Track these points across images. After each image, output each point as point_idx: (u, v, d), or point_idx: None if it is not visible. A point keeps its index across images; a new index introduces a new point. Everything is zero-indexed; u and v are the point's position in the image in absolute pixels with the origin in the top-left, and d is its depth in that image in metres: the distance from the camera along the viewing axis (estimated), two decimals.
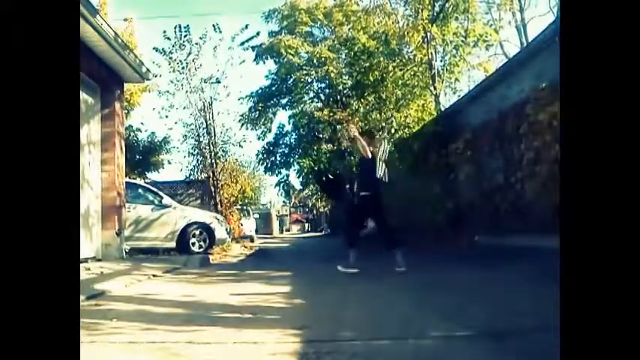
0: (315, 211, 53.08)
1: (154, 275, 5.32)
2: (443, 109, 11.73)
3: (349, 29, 19.91)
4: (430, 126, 11.00)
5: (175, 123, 15.86)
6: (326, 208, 39.42)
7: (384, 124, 13.62)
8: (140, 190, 10.09)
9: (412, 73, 12.49)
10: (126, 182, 8.27)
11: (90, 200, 6.82)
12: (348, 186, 25.44)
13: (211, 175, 14.10)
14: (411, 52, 12.89)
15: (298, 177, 26.79)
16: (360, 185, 5.78)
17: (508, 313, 2.73)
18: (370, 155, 5.46)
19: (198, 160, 14.64)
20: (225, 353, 2.05)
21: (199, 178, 15.13)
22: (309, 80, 24.72)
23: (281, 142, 26.11)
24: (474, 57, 13.56)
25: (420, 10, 11.77)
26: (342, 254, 9.74)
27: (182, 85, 13.36)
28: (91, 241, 6.76)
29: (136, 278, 4.91)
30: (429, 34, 11.64)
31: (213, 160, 14.12)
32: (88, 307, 3.20)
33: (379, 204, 5.47)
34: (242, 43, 16.67)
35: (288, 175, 27.09)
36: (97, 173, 7.11)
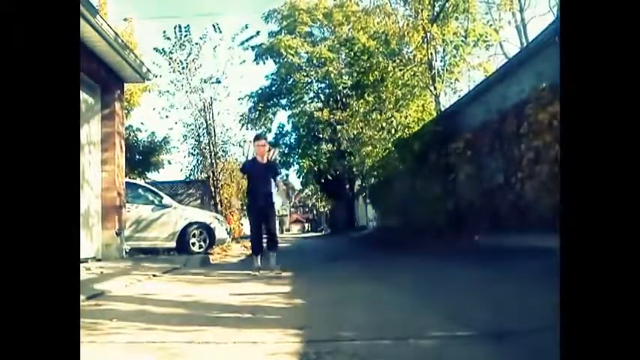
0: (315, 211, 53.14)
1: (153, 275, 5.32)
2: (443, 109, 11.74)
3: (349, 29, 19.92)
4: (430, 126, 11.01)
5: (175, 123, 15.92)
6: (326, 208, 39.45)
7: (384, 124, 13.61)
8: (140, 190, 10.09)
9: (412, 73, 12.50)
10: (126, 182, 8.27)
11: (90, 200, 6.82)
12: (348, 186, 25.49)
13: (211, 175, 14.11)
14: (411, 52, 12.89)
15: (298, 177, 26.92)
16: (254, 194, 5.98)
17: (508, 312, 2.73)
18: (264, 160, 5.92)
19: (198, 160, 14.65)
20: (225, 353, 2.05)
21: (199, 178, 15.13)
22: (309, 80, 24.83)
23: (281, 142, 26.19)
24: (474, 57, 13.60)
25: (420, 10, 11.78)
26: (341, 255, 9.76)
27: (182, 85, 13.39)
28: (91, 241, 6.76)
29: (135, 278, 4.91)
30: (429, 34, 11.65)
31: (213, 160, 14.13)
32: (88, 307, 3.20)
33: (271, 212, 6.10)
34: (242, 43, 16.73)
35: (287, 175, 27.12)
36: (97, 173, 7.11)
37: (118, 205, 7.29)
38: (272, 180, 5.93)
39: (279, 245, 6.25)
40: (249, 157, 6.30)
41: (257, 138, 6.24)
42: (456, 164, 9.17)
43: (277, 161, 6.88)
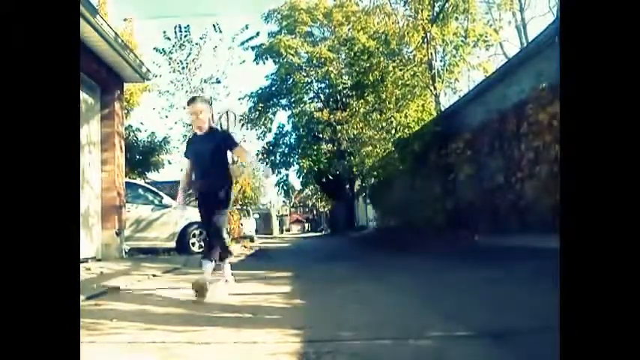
0: (315, 211, 53.18)
1: (153, 275, 5.32)
2: (443, 109, 11.74)
3: (349, 29, 19.96)
4: (430, 126, 11.01)
5: (175, 123, 15.80)
6: (326, 208, 39.48)
7: (384, 124, 13.62)
8: (140, 190, 10.10)
9: (412, 73, 12.50)
10: (126, 182, 8.28)
11: (90, 200, 6.82)
12: (348, 186, 25.49)
13: None
14: (411, 52, 12.90)
15: (298, 177, 26.95)
16: (198, 175, 4.07)
17: (508, 313, 2.73)
18: (208, 128, 4.01)
19: None
20: (225, 353, 2.05)
21: None
22: (309, 80, 24.84)
23: (281, 142, 26.23)
24: (474, 57, 13.60)
25: (420, 10, 11.79)
26: (341, 254, 9.76)
27: (182, 85, 13.37)
28: (91, 241, 6.76)
29: (135, 278, 4.91)
30: (429, 34, 11.65)
31: None
32: (88, 307, 3.20)
33: (220, 203, 3.96)
34: (242, 43, 16.73)
35: (287, 175, 27.14)
36: (97, 173, 7.11)
37: (118, 205, 7.29)
38: (225, 156, 4.03)
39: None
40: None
41: (189, 102, 4.11)
42: (456, 164, 9.17)
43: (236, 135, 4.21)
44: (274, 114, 26.37)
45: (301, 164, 24.38)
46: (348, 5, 18.83)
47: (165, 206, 9.79)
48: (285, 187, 28.25)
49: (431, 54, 11.87)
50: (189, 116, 4.12)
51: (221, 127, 3.68)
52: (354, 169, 19.65)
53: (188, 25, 13.17)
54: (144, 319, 2.80)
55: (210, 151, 3.89)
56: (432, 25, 11.60)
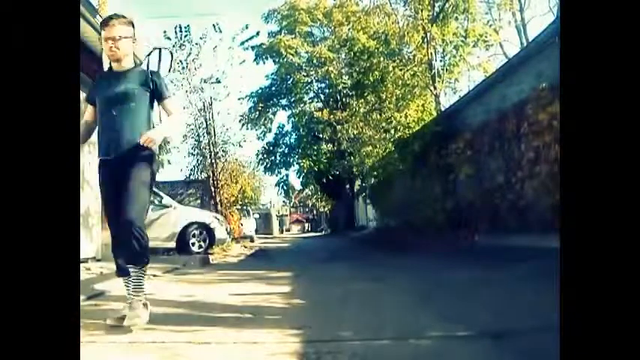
0: (315, 211, 53.17)
1: (154, 275, 5.32)
2: (443, 109, 11.75)
3: (349, 29, 19.97)
4: (430, 126, 11.02)
5: None
6: (326, 208, 39.47)
7: (384, 124, 13.64)
8: None
9: (412, 73, 12.52)
10: None
11: (90, 200, 6.82)
12: (348, 186, 25.50)
13: (211, 175, 14.11)
14: (411, 52, 12.93)
15: (298, 177, 27.01)
16: (103, 131, 2.78)
17: (508, 313, 2.73)
18: (129, 64, 2.73)
19: (198, 160, 14.65)
20: (225, 353, 2.05)
21: (199, 178, 15.13)
22: (309, 80, 24.86)
23: (281, 142, 26.27)
24: (474, 57, 13.63)
25: (420, 10, 11.82)
26: (341, 255, 9.76)
27: (182, 84, 13.38)
28: (91, 241, 6.76)
29: None
30: (429, 34, 11.67)
31: (213, 160, 14.13)
32: (88, 307, 3.20)
33: (134, 177, 2.64)
34: (242, 43, 16.72)
35: (287, 175, 27.15)
36: (97, 173, 7.10)
37: None
38: (148, 108, 2.70)
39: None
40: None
41: (103, 22, 2.72)
42: (456, 164, 9.17)
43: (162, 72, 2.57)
44: (274, 114, 26.42)
45: (301, 164, 24.42)
46: (348, 5, 18.84)
47: (165, 206, 9.79)
48: (285, 187, 28.28)
49: (431, 54, 11.88)
50: (104, 44, 2.71)
51: (148, 67, 2.37)
52: (354, 169, 19.67)
53: (188, 25, 13.17)
54: None
55: (127, 97, 2.64)
56: (432, 25, 11.61)
